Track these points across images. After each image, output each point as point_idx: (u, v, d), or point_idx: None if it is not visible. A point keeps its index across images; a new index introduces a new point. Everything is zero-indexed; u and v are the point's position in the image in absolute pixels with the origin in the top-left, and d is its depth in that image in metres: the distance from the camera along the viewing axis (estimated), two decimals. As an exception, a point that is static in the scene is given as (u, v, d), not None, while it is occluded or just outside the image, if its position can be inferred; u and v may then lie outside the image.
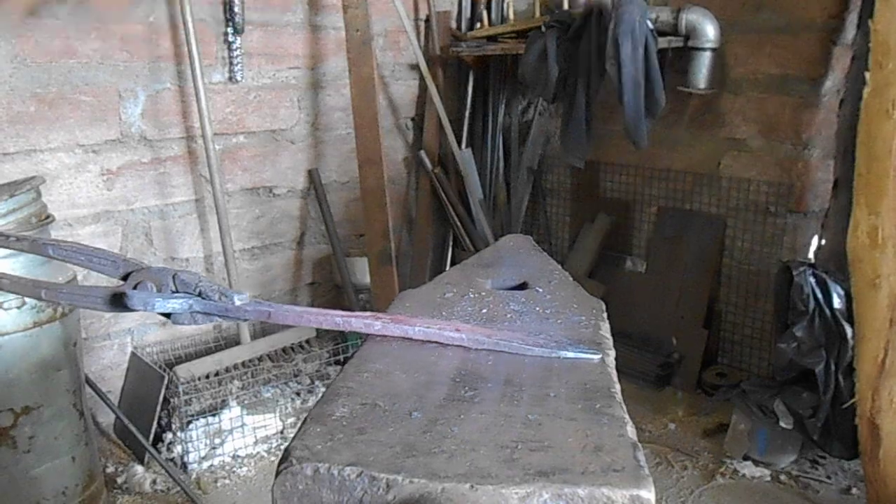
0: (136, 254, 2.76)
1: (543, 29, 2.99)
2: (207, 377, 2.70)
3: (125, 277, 0.80)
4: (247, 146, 3.02)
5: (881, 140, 2.08)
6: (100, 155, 2.65)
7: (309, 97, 3.16)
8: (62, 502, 2.12)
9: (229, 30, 2.82)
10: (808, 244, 2.80)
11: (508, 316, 0.89)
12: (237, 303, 0.77)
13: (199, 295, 0.78)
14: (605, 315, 0.91)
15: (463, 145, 3.51)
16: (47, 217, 2.08)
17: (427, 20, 3.45)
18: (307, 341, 3.01)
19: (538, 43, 2.94)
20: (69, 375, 2.11)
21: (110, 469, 2.53)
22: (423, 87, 3.48)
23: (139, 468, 2.49)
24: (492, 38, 3.36)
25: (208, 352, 2.86)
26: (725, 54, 2.87)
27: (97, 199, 2.67)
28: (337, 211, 3.25)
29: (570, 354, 0.76)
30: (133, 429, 2.41)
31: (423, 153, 3.48)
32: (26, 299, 1.97)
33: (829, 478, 2.43)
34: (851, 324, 2.24)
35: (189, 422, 2.55)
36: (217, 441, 2.58)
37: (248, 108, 2.98)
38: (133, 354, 2.78)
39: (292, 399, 2.84)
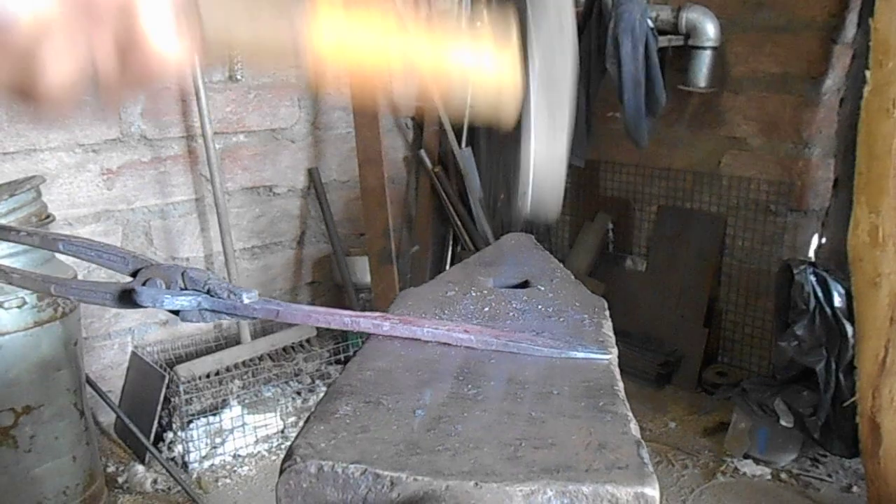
0: (136, 253, 2.75)
1: (543, 28, 2.98)
2: (208, 376, 2.70)
3: (134, 274, 0.80)
4: (247, 145, 3.02)
5: (881, 139, 2.09)
6: (100, 154, 2.65)
7: (309, 96, 3.15)
8: (63, 502, 2.12)
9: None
10: (809, 243, 2.80)
11: (511, 314, 0.89)
12: (246, 301, 0.77)
13: (208, 292, 0.78)
14: (607, 314, 0.91)
15: (463, 144, 3.51)
16: (47, 216, 2.08)
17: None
18: (308, 340, 3.01)
19: (538, 42, 2.93)
20: (70, 375, 2.11)
21: (111, 468, 2.53)
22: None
23: (140, 468, 2.49)
24: (492, 37, 3.35)
25: (209, 351, 2.86)
26: (726, 53, 2.87)
27: (97, 199, 2.67)
28: (337, 210, 3.25)
29: (580, 355, 0.76)
30: (134, 428, 2.41)
31: (423, 152, 3.48)
32: (27, 299, 1.97)
33: (829, 476, 2.43)
34: (852, 322, 2.24)
35: (190, 421, 2.55)
36: (218, 440, 2.58)
37: (249, 106, 2.98)
38: (133, 354, 2.78)
39: (293, 398, 2.84)
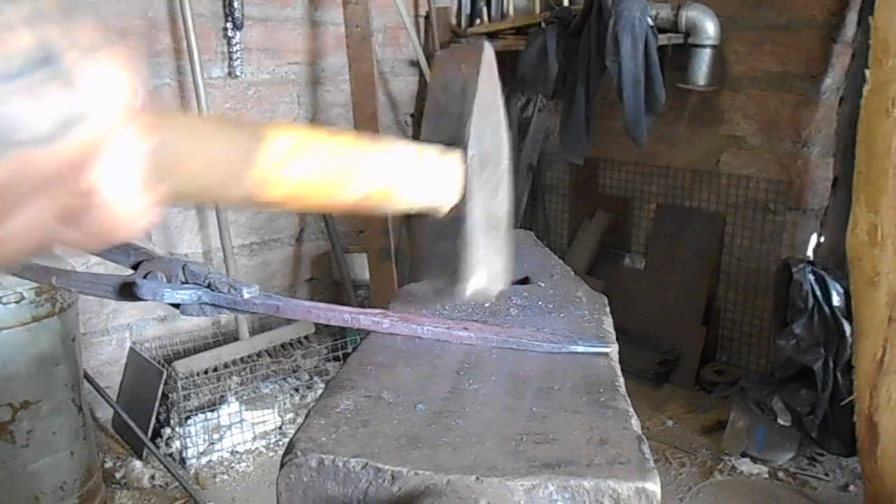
0: (134, 249, 2.75)
1: (543, 25, 2.98)
2: (206, 373, 2.70)
3: (135, 267, 0.80)
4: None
5: (881, 138, 2.09)
6: (98, 150, 2.64)
7: (308, 93, 3.15)
8: (60, 497, 2.11)
9: (229, 25, 2.82)
10: (808, 241, 2.80)
11: (511, 311, 0.89)
12: (246, 296, 0.76)
13: (209, 287, 0.77)
14: (607, 309, 0.91)
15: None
16: (46, 211, 2.08)
17: (427, 16, 3.45)
18: (306, 337, 3.01)
19: (538, 39, 2.94)
20: (68, 370, 2.11)
21: (109, 464, 2.52)
22: (422, 84, 3.47)
23: (137, 463, 2.49)
24: (491, 35, 3.35)
25: (207, 347, 2.86)
26: (725, 51, 2.87)
27: (96, 194, 2.66)
28: (336, 207, 3.24)
29: (580, 349, 0.76)
30: (131, 424, 2.40)
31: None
32: (25, 294, 1.97)
33: (826, 475, 2.43)
34: (850, 321, 2.24)
35: (187, 417, 2.55)
36: (216, 436, 2.58)
37: (248, 103, 2.97)
38: (132, 350, 2.78)
39: (291, 395, 2.84)
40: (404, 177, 0.61)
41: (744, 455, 2.53)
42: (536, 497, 0.53)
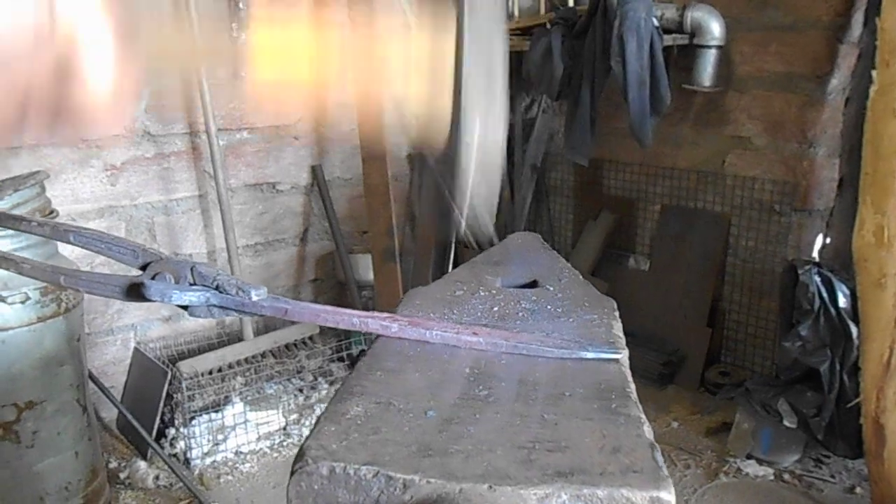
0: (139, 249, 2.75)
1: (548, 26, 2.98)
2: (210, 373, 2.70)
3: (143, 268, 0.80)
4: (250, 142, 3.01)
5: (887, 139, 2.08)
6: (104, 150, 2.65)
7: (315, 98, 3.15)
8: (65, 497, 2.12)
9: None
10: (813, 243, 2.79)
11: (520, 314, 0.88)
12: (254, 298, 0.76)
13: (217, 288, 0.77)
14: (616, 314, 0.90)
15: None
16: (51, 212, 2.08)
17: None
18: (310, 338, 3.01)
19: (543, 40, 2.93)
20: (72, 371, 2.11)
21: (113, 464, 2.53)
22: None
23: (142, 464, 2.49)
24: (496, 35, 3.35)
25: (211, 348, 2.86)
26: (731, 52, 2.87)
27: (101, 195, 2.67)
28: (340, 207, 3.24)
29: (590, 355, 0.75)
30: (136, 424, 2.40)
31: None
32: (30, 294, 1.97)
33: (833, 477, 2.43)
34: (857, 323, 2.23)
35: (192, 417, 2.55)
36: (220, 437, 2.58)
37: (252, 103, 2.97)
38: (136, 350, 2.78)
39: (295, 395, 2.84)
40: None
41: (749, 457, 2.52)
42: (549, 506, 0.52)
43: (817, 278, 2.36)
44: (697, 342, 3.04)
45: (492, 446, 0.58)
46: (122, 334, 2.82)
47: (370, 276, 3.07)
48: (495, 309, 0.90)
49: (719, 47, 2.79)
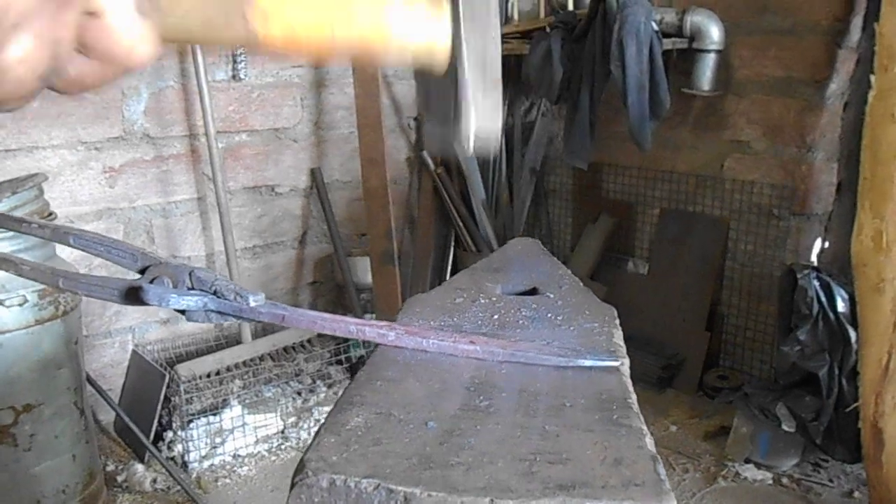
0: (137, 252, 2.75)
1: (548, 30, 2.98)
2: (209, 376, 2.69)
3: (142, 271, 0.80)
4: (249, 144, 3.01)
5: (886, 144, 2.08)
6: (102, 152, 2.64)
7: (312, 96, 3.15)
8: (62, 500, 2.11)
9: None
10: (812, 247, 2.80)
11: (521, 322, 0.88)
12: (252, 304, 0.76)
13: (215, 293, 0.77)
14: (617, 322, 0.90)
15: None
16: (49, 214, 2.08)
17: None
18: (308, 341, 3.01)
19: (542, 44, 2.93)
20: (70, 373, 2.10)
21: (110, 467, 2.52)
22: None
23: (139, 467, 2.49)
24: (495, 38, 3.34)
25: (209, 350, 2.86)
26: (730, 56, 2.87)
27: (99, 197, 2.66)
28: (339, 210, 3.24)
29: (588, 363, 0.75)
30: (134, 427, 2.40)
31: (425, 153, 3.47)
32: (28, 297, 1.96)
33: (831, 481, 2.43)
34: (855, 327, 2.24)
35: (190, 420, 2.54)
36: (218, 440, 2.58)
37: (251, 106, 2.97)
38: (134, 352, 2.78)
39: (293, 398, 2.84)
40: (396, 11, 0.61)
41: (748, 461, 2.52)
42: (550, 519, 0.52)
43: (816, 283, 2.36)
44: (696, 346, 3.04)
45: (493, 458, 0.58)
46: (120, 337, 2.82)
47: (369, 278, 3.06)
48: (495, 317, 0.90)
49: (718, 51, 2.79)
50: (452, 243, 3.61)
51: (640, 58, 2.62)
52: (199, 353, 2.84)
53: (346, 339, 2.95)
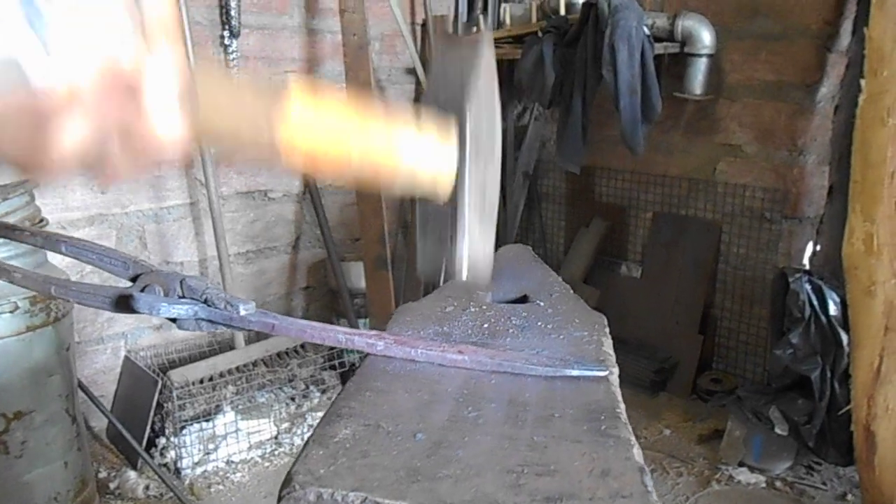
0: (129, 257, 2.74)
1: (540, 34, 2.99)
2: (201, 382, 2.68)
3: (134, 279, 0.80)
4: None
5: (876, 147, 2.09)
6: (94, 158, 2.63)
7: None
8: (54, 508, 2.10)
9: (225, 33, 2.81)
10: (804, 250, 2.81)
11: (510, 331, 0.88)
12: (242, 313, 0.76)
13: (206, 302, 0.77)
14: (606, 330, 0.90)
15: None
16: (41, 220, 2.07)
17: (423, 24, 3.45)
18: (302, 346, 3.00)
19: (535, 48, 2.94)
20: (62, 380, 2.09)
21: (103, 474, 2.51)
22: (419, 92, 3.47)
23: (132, 473, 2.48)
24: (488, 43, 3.35)
25: (202, 356, 2.85)
26: (721, 60, 2.88)
27: (91, 202, 2.65)
28: (332, 215, 3.24)
29: (575, 372, 0.75)
30: (126, 434, 2.39)
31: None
32: (19, 304, 1.95)
33: (824, 484, 2.43)
34: (847, 331, 2.24)
35: (182, 427, 2.53)
36: (211, 446, 2.57)
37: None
38: (126, 358, 2.77)
39: (287, 404, 2.83)
40: (407, 144, 0.66)
41: (741, 464, 2.52)
42: (538, 531, 0.52)
43: (808, 286, 2.37)
44: (689, 349, 3.05)
45: (480, 470, 0.58)
46: (113, 343, 2.81)
47: (362, 283, 3.06)
48: (485, 326, 0.90)
49: (710, 56, 2.80)
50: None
51: (631, 62, 2.63)
52: (192, 359, 2.83)
53: (340, 344, 2.94)
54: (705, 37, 2.78)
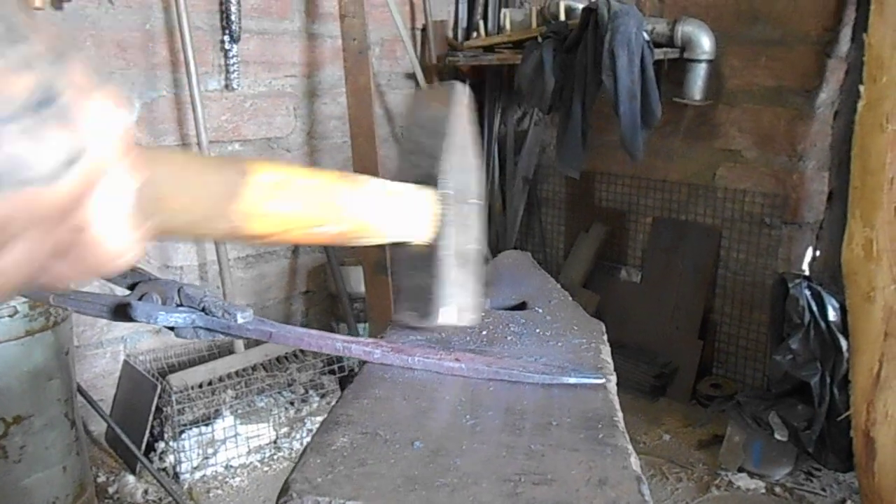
0: (129, 262, 2.74)
1: (540, 40, 2.99)
2: (201, 386, 2.68)
3: (132, 287, 0.80)
4: (242, 154, 3.01)
5: (875, 153, 2.10)
6: (94, 162, 2.63)
7: (305, 105, 3.15)
8: (53, 513, 2.10)
9: (226, 37, 2.82)
10: (803, 255, 2.81)
11: (508, 338, 0.88)
12: (240, 321, 0.76)
13: (203, 310, 0.78)
14: (605, 338, 0.90)
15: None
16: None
17: (423, 30, 3.45)
18: (301, 350, 3.00)
19: (535, 54, 2.94)
20: (61, 384, 2.09)
21: (101, 479, 2.51)
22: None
23: (131, 478, 2.47)
24: (488, 49, 3.36)
25: (202, 360, 2.84)
26: (721, 66, 2.89)
27: (91, 207, 2.65)
28: (332, 219, 3.23)
29: (572, 380, 0.75)
30: (125, 438, 2.39)
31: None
32: (18, 308, 1.95)
33: (823, 490, 2.43)
34: (846, 336, 2.24)
35: (182, 431, 2.53)
36: (210, 451, 2.56)
37: (244, 115, 2.97)
38: (126, 363, 2.76)
39: (286, 408, 2.83)
40: (380, 213, 0.66)
41: (741, 470, 2.52)
42: (535, 540, 0.52)
43: (807, 292, 2.37)
44: (689, 354, 3.05)
45: (478, 479, 0.58)
46: (112, 347, 2.80)
47: (362, 288, 3.06)
48: (483, 332, 0.90)
49: (709, 61, 2.81)
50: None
51: (631, 67, 2.64)
52: (191, 364, 2.83)
53: (339, 349, 2.94)
54: (705, 42, 2.78)
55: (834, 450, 2.34)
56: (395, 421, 0.67)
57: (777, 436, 2.40)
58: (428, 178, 0.70)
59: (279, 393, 2.87)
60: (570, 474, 0.58)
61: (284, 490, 0.57)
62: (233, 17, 2.78)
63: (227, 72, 2.86)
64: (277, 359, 2.93)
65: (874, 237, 2.11)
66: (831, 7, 2.62)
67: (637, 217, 3.30)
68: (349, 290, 3.16)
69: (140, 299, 0.80)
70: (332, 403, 0.84)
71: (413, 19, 3.45)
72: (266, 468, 2.60)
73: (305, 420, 2.79)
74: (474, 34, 3.47)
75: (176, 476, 2.49)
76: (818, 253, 2.76)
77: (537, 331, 0.91)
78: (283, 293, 3.25)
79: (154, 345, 2.89)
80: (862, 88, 2.13)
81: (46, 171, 0.33)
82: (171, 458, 2.53)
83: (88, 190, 0.36)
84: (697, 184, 3.07)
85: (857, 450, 2.15)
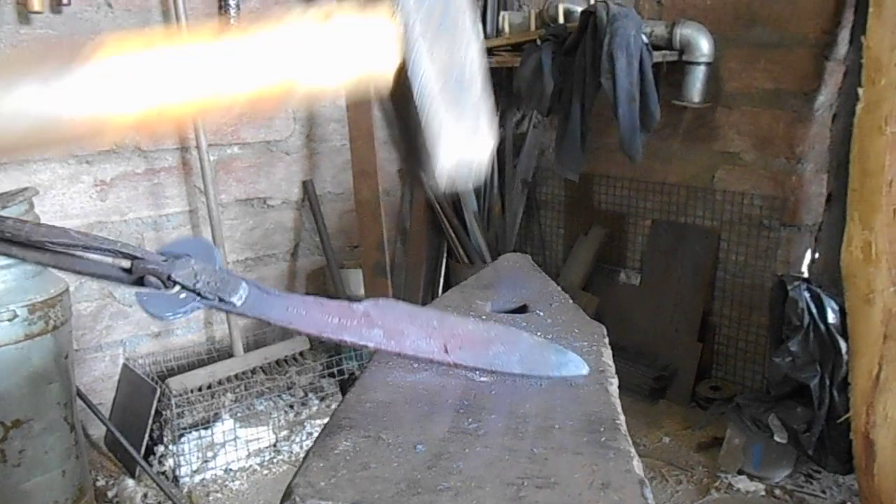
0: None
1: (539, 42, 2.99)
2: (200, 389, 2.68)
3: (128, 270, 0.81)
4: (241, 157, 3.01)
5: (874, 156, 2.10)
6: (93, 165, 2.64)
7: (304, 108, 3.15)
8: (52, 517, 2.09)
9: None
10: (802, 258, 2.81)
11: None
12: (237, 304, 0.76)
13: (199, 295, 0.78)
14: (606, 341, 0.90)
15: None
16: (40, 229, 2.07)
17: None
18: (301, 353, 3.00)
19: (533, 56, 2.94)
20: (60, 388, 2.09)
21: (101, 482, 2.50)
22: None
23: (130, 482, 2.47)
24: (487, 51, 3.36)
25: (201, 364, 2.84)
26: (719, 68, 2.89)
27: (90, 210, 2.65)
28: (331, 222, 3.24)
29: (554, 357, 0.74)
30: (124, 442, 2.38)
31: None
32: (18, 311, 1.95)
33: (823, 492, 2.43)
34: (846, 338, 2.24)
35: (181, 435, 2.53)
36: (209, 454, 2.56)
37: (243, 118, 2.97)
38: (125, 366, 2.76)
39: (286, 412, 2.83)
40: (308, 57, 0.54)
41: (740, 472, 2.52)
42: (538, 544, 0.52)
43: (806, 294, 2.37)
44: (688, 357, 3.05)
45: (481, 483, 0.58)
46: (111, 350, 2.80)
47: (361, 290, 3.06)
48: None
49: (708, 64, 2.81)
50: (444, 255, 3.61)
51: (630, 70, 2.64)
52: (191, 367, 2.82)
53: (339, 352, 2.94)
54: (703, 45, 2.79)
55: (834, 452, 2.34)
56: (398, 424, 0.67)
57: (777, 438, 2.40)
58: None
59: (279, 396, 2.87)
60: (573, 478, 0.59)
61: (287, 494, 0.57)
62: (232, 21, 2.78)
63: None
64: (277, 362, 2.93)
65: (873, 239, 2.11)
66: (829, 10, 2.62)
67: (636, 219, 3.30)
68: (348, 292, 3.16)
69: (139, 283, 0.81)
70: (333, 407, 0.84)
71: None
72: (266, 471, 2.60)
73: (305, 423, 2.79)
74: None
75: (175, 480, 2.49)
76: (817, 255, 2.76)
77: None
78: (282, 296, 3.24)
79: (153, 348, 2.88)
80: (860, 91, 2.13)
81: None
82: (170, 462, 2.52)
83: None
84: (696, 186, 3.08)
85: (857, 452, 2.15)
